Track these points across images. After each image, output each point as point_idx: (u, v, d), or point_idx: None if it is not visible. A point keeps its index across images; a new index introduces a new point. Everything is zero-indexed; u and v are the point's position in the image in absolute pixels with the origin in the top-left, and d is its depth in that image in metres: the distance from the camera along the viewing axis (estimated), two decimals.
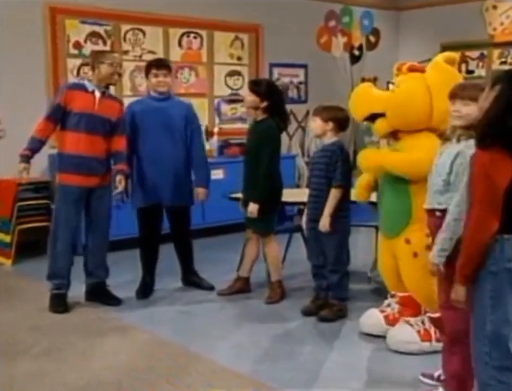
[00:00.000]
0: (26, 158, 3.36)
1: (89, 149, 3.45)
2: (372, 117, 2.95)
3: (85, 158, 3.44)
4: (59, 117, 3.40)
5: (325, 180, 3.31)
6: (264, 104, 3.51)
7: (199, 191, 3.76)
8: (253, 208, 3.53)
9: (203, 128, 5.65)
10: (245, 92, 3.73)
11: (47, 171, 4.88)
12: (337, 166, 3.26)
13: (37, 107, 4.41)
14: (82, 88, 3.45)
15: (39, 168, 4.72)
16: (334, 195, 3.27)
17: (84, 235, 3.67)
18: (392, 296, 3.18)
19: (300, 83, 6.53)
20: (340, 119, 3.31)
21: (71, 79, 4.88)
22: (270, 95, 3.53)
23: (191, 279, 3.96)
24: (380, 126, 2.94)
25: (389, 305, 3.18)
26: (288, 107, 6.21)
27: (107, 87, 3.53)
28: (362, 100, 2.99)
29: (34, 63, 4.91)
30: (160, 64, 3.68)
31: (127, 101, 5.18)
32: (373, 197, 3.27)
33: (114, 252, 4.02)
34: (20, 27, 4.82)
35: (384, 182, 3.00)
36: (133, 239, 4.03)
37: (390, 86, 3.10)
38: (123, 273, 4.10)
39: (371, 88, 3.01)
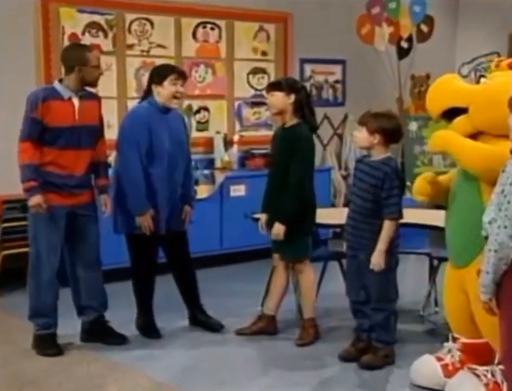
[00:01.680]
0: (36, 189, 3.36)
1: (73, 167, 3.48)
2: (451, 115, 2.87)
3: (67, 177, 3.47)
4: (38, 134, 3.39)
5: (371, 204, 3.29)
6: (292, 99, 3.55)
7: (188, 211, 3.82)
8: (278, 229, 3.53)
9: (221, 135, 5.74)
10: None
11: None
12: (390, 194, 3.23)
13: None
14: (56, 96, 3.42)
15: None
16: (388, 228, 3.25)
17: (69, 266, 3.67)
18: (455, 340, 3.09)
19: (337, 82, 6.53)
20: (389, 131, 3.28)
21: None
22: (295, 88, 3.59)
23: (198, 318, 3.95)
24: (460, 125, 2.85)
25: (449, 351, 3.09)
26: (322, 110, 6.18)
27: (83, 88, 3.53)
28: (442, 91, 2.92)
29: (23, 60, 4.93)
30: (182, 73, 3.74)
31: (131, 104, 5.24)
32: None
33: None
34: (5, 17, 4.85)
35: (454, 196, 2.94)
36: (116, 270, 4.08)
37: (482, 80, 3.03)
38: (116, 309, 4.10)
39: (456, 79, 2.96)
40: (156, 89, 3.67)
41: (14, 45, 4.88)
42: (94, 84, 3.56)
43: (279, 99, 3.58)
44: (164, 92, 3.65)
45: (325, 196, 5.61)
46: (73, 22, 5.12)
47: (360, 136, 3.33)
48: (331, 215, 4.09)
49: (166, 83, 3.64)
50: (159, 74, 3.69)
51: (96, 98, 3.66)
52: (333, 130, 6.43)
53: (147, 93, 3.75)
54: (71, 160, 3.46)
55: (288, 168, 3.50)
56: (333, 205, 5.95)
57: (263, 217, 3.73)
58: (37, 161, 3.39)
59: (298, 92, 3.58)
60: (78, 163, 3.50)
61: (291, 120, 3.61)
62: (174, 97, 3.67)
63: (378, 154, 3.31)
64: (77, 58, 3.45)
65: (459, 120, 2.87)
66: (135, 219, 3.61)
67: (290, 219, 3.52)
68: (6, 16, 4.85)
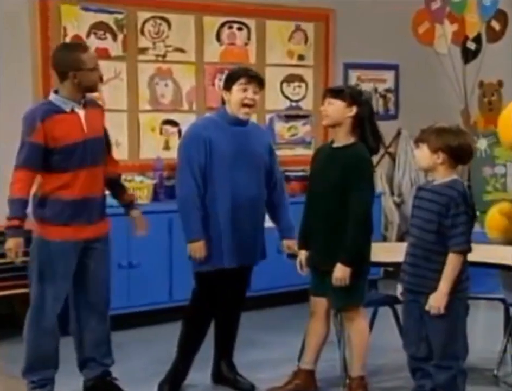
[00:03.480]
0: (19, 231, 3.37)
1: (89, 189, 3.51)
2: None
3: (82, 203, 3.49)
4: (39, 161, 3.40)
5: (436, 236, 3.24)
6: (353, 112, 3.57)
7: (290, 244, 3.89)
8: (343, 272, 3.50)
9: None
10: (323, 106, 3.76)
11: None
12: (456, 222, 3.20)
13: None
14: (57, 110, 3.45)
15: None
16: (453, 263, 3.21)
17: (73, 309, 3.69)
18: None
19: (388, 91, 6.52)
20: (456, 149, 3.26)
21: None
22: (358, 100, 3.60)
23: (225, 375, 3.93)
24: None
25: None
26: None
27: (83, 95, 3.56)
28: None
29: (18, 66, 4.97)
30: (256, 77, 3.75)
31: (142, 116, 5.29)
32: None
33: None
34: (0, 21, 4.90)
35: None
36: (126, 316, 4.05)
37: None
38: (126, 360, 4.10)
39: None
40: (226, 97, 3.74)
41: (7, 51, 4.93)
42: (93, 89, 3.59)
43: (338, 109, 3.57)
44: (233, 99, 3.70)
45: (374, 227, 5.51)
46: (76, 22, 5.17)
47: (421, 155, 3.31)
48: (382, 251, 4.05)
49: (235, 88, 3.69)
50: (228, 78, 3.78)
51: (99, 106, 3.72)
52: (384, 148, 6.33)
53: (222, 103, 3.82)
54: (86, 181, 3.48)
55: (345, 196, 3.50)
56: (384, 239, 5.92)
57: (302, 254, 3.73)
58: (27, 195, 3.41)
59: (361, 105, 3.59)
60: (94, 184, 3.54)
61: (345, 138, 3.60)
62: (245, 105, 3.68)
63: (442, 176, 3.28)
64: (70, 62, 3.44)
65: None
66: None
67: (359, 258, 3.52)
68: None
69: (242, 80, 3.68)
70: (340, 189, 3.53)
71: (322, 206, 3.62)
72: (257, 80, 3.74)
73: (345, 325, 3.75)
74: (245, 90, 3.68)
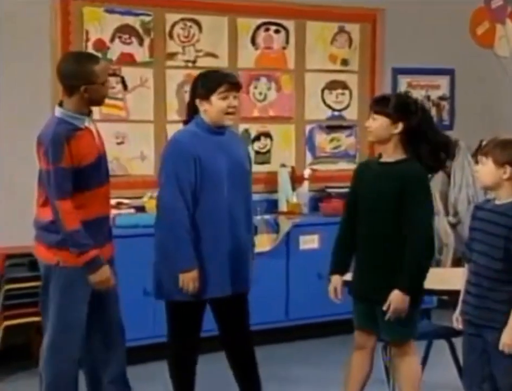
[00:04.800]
0: (101, 259, 3.45)
1: (104, 208, 3.62)
2: None
3: (99, 223, 3.55)
4: (71, 186, 3.43)
5: (503, 264, 3.19)
6: (399, 128, 3.53)
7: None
8: (402, 301, 3.45)
9: (287, 169, 5.72)
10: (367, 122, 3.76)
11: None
12: None
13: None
14: (74, 128, 3.47)
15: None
16: None
17: (85, 340, 3.68)
18: None
19: (442, 98, 6.49)
20: None
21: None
22: (406, 113, 3.53)
23: None
24: None
25: None
26: None
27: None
28: None
29: (37, 72, 5.01)
30: (234, 82, 3.77)
31: (171, 130, 5.28)
32: None
33: None
34: (15, 20, 4.96)
35: None
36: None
37: None
38: None
39: None
40: (202, 107, 3.71)
41: (25, 56, 4.99)
42: (101, 103, 3.65)
43: (382, 127, 3.55)
44: (213, 109, 3.69)
45: None
46: (99, 25, 5.22)
47: (485, 171, 3.26)
48: (436, 278, 3.95)
49: (214, 98, 3.67)
50: (204, 86, 3.72)
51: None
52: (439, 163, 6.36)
53: (192, 111, 3.77)
54: (102, 200, 3.56)
55: (400, 216, 3.47)
56: (438, 263, 5.83)
57: (336, 280, 3.68)
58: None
59: (409, 118, 3.52)
60: (106, 203, 3.63)
61: (395, 154, 3.57)
62: (227, 113, 3.70)
63: (508, 195, 3.24)
64: (82, 75, 3.46)
65: None
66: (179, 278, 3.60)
67: (420, 285, 3.50)
68: (16, 17, 4.97)
69: (222, 89, 3.66)
70: (395, 210, 3.48)
71: (372, 228, 3.58)
72: (236, 86, 3.74)
73: (395, 360, 3.69)
74: (225, 98, 3.66)
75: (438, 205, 6.22)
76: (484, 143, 3.43)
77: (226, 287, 3.70)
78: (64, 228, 3.39)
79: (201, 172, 3.63)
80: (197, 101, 3.71)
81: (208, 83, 3.72)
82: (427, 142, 3.55)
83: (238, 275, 3.75)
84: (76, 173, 3.42)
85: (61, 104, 3.52)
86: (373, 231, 3.58)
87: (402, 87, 6.26)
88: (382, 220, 3.53)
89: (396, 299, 3.44)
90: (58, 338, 3.53)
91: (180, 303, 3.67)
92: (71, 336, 3.53)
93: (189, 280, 3.58)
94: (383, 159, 3.61)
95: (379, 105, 3.61)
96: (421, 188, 3.51)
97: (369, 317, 3.61)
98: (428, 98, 6.38)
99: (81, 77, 3.44)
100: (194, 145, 3.66)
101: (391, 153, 3.57)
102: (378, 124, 3.55)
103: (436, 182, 6.31)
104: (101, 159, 3.55)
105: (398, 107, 3.54)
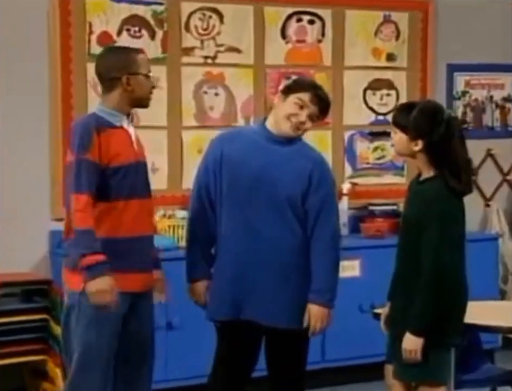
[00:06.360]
0: (106, 266, 3.37)
1: (142, 226, 3.56)
2: None
3: (134, 244, 3.52)
4: (96, 183, 3.43)
5: None
6: (419, 146, 3.47)
7: (312, 310, 3.76)
8: (412, 343, 3.42)
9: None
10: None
11: (46, 261, 4.93)
12: None
13: (34, 145, 4.57)
14: (108, 124, 3.51)
15: (33, 255, 4.82)
16: None
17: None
18: None
19: (507, 100, 6.50)
20: None
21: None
22: (425, 129, 3.45)
23: None
24: None
25: None
26: (484, 144, 6.20)
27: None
28: None
29: (33, 71, 5.05)
30: (321, 97, 3.75)
31: (187, 135, 5.21)
32: None
33: None
34: (9, 11, 4.99)
35: None
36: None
37: None
38: None
39: None
40: (275, 100, 3.82)
41: (21, 52, 5.01)
42: (145, 102, 3.63)
43: (401, 142, 3.56)
44: (280, 107, 3.73)
45: (488, 280, 5.53)
46: (105, 16, 5.23)
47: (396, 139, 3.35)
48: (501, 312, 4.09)
49: (290, 98, 3.71)
50: (293, 84, 3.87)
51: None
52: (501, 175, 6.39)
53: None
54: (138, 215, 3.53)
55: (419, 242, 3.43)
56: (502, 295, 5.81)
57: (385, 311, 3.68)
58: (94, 225, 3.43)
59: (430, 133, 3.42)
60: (146, 219, 3.59)
61: (427, 170, 3.50)
62: (290, 121, 3.71)
63: None
64: (123, 63, 3.51)
65: None
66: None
67: (428, 328, 3.42)
68: (10, 8, 4.99)
69: (304, 95, 3.69)
70: (416, 236, 3.41)
71: (399, 255, 3.57)
72: (322, 105, 3.72)
73: None
74: (301, 107, 3.68)
75: (503, 225, 6.28)
76: None
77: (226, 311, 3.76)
78: (75, 225, 3.39)
79: (223, 172, 3.73)
80: (277, 95, 3.80)
81: (299, 82, 3.90)
82: (450, 162, 3.45)
83: (246, 301, 3.74)
84: (104, 175, 3.44)
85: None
86: (400, 259, 3.55)
87: (460, 87, 6.30)
88: (406, 247, 3.50)
89: (406, 340, 3.41)
90: (76, 376, 3.54)
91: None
92: (94, 376, 3.51)
93: (193, 291, 3.77)
94: (419, 179, 3.56)
95: (400, 115, 3.61)
96: (432, 212, 3.40)
97: (391, 351, 3.61)
98: (491, 98, 6.43)
99: (122, 66, 3.50)
100: (227, 141, 3.79)
101: (423, 171, 3.51)
102: (397, 138, 3.56)
103: (499, 199, 6.37)
104: (139, 167, 3.56)
105: (417, 121, 3.47)
